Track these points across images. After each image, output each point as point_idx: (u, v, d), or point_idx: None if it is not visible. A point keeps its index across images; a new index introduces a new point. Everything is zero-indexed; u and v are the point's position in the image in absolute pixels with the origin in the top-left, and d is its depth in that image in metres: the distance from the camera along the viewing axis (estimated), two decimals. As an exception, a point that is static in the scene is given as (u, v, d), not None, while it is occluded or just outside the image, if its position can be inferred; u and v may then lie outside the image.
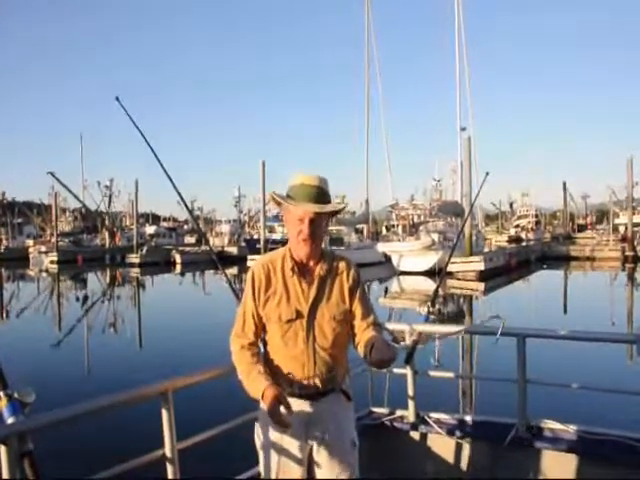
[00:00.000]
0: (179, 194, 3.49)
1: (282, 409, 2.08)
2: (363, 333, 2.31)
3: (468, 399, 7.70)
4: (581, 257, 38.94)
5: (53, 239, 49.41)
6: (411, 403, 3.71)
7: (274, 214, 41.84)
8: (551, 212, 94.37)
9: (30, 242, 57.48)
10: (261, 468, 2.37)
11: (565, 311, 18.18)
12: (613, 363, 8.86)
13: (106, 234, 54.44)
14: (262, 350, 2.37)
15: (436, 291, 4.25)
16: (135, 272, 38.12)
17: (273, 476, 2.29)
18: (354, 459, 2.36)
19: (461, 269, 27.00)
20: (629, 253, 36.02)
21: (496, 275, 28.16)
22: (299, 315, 2.27)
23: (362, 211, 43.47)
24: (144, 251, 44.95)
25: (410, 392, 3.71)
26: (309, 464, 2.31)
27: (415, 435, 3.66)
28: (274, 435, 2.28)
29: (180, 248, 49.14)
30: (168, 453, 2.43)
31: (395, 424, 3.71)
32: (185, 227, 75.45)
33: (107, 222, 56.13)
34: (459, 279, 26.49)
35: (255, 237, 44.27)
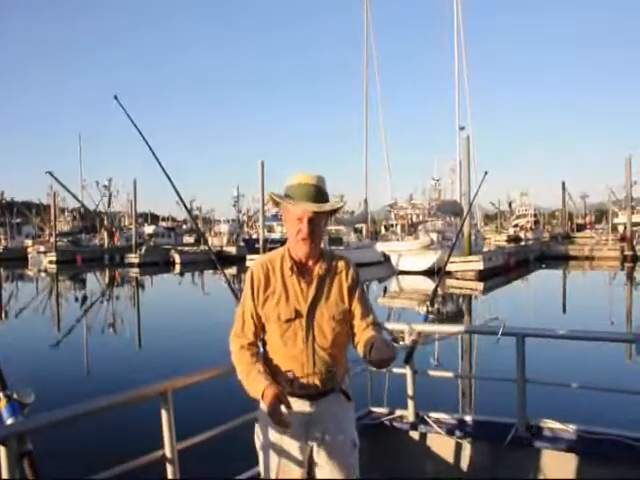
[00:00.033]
0: (178, 194, 3.49)
1: (282, 409, 2.08)
2: (362, 333, 2.30)
3: (467, 399, 7.70)
4: (580, 257, 38.94)
5: (52, 239, 49.38)
6: (410, 403, 3.71)
7: (273, 214, 41.89)
8: (550, 212, 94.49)
9: (29, 242, 57.46)
10: (261, 468, 2.37)
11: (564, 310, 18.19)
12: (612, 362, 8.87)
13: (105, 234, 54.42)
14: (261, 350, 2.37)
15: (435, 291, 4.25)
16: (134, 272, 38.10)
17: (273, 476, 2.29)
18: (354, 459, 2.36)
19: (460, 268, 27.02)
20: (628, 252, 36.03)
21: (495, 275, 28.16)
22: (298, 315, 2.27)
23: (361, 211, 43.46)
24: (143, 251, 44.93)
25: (410, 392, 3.71)
26: (309, 464, 2.31)
27: (415, 435, 3.66)
28: (274, 435, 2.28)
29: (179, 248, 49.14)
30: (168, 453, 2.43)
31: (395, 424, 3.71)
32: (184, 227, 75.46)
33: (106, 222, 56.10)
34: (458, 279, 26.51)
35: (254, 237, 44.28)
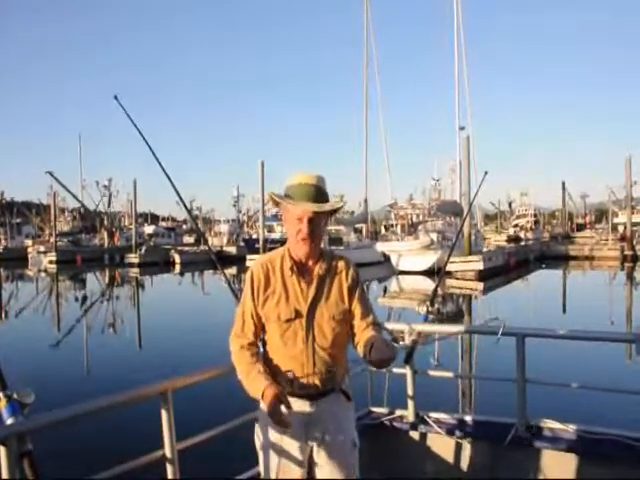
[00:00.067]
0: (178, 194, 3.49)
1: (282, 408, 2.08)
2: (362, 333, 2.30)
3: (467, 399, 7.70)
4: (580, 256, 38.95)
5: (52, 239, 49.38)
6: (410, 403, 3.71)
7: (273, 214, 41.88)
8: (550, 212, 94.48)
9: (29, 242, 57.46)
10: (261, 468, 2.37)
11: (564, 310, 18.19)
12: (612, 362, 8.87)
13: (105, 234, 54.42)
14: (261, 350, 2.37)
15: (435, 291, 4.25)
16: (134, 272, 38.10)
17: (273, 476, 2.29)
18: (355, 459, 2.36)
19: (460, 268, 27.02)
20: (628, 252, 36.03)
21: (495, 275, 28.16)
22: (298, 315, 2.27)
23: (361, 211, 43.46)
24: (143, 251, 44.93)
25: (409, 392, 3.71)
26: (309, 464, 2.31)
27: (415, 435, 3.66)
28: (274, 436, 2.28)
29: (179, 248, 49.17)
30: (168, 453, 2.43)
31: (395, 424, 3.71)
32: (184, 227, 75.50)
33: (106, 222, 56.10)
34: (458, 279, 26.51)
35: (254, 237, 44.28)
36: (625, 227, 40.19)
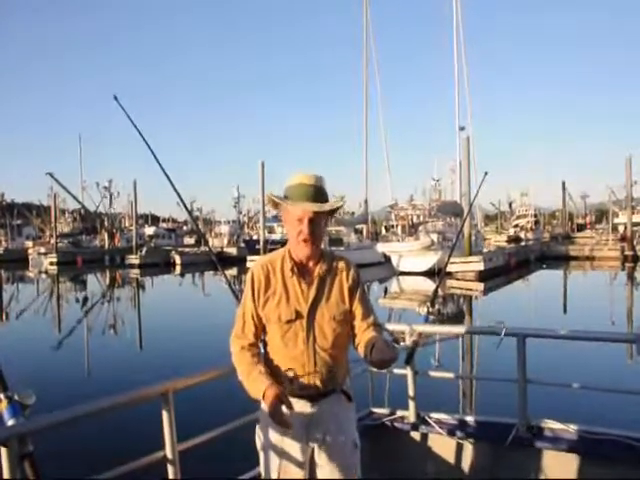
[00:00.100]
0: (178, 194, 3.49)
1: (283, 409, 2.08)
2: (363, 333, 2.30)
3: (468, 399, 7.70)
4: (580, 257, 38.93)
5: (52, 240, 49.35)
6: (411, 403, 3.71)
7: (273, 214, 41.83)
8: (550, 212, 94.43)
9: (29, 243, 57.42)
10: (262, 469, 2.37)
11: (565, 311, 18.18)
12: (613, 363, 8.86)
13: (105, 235, 54.41)
14: (262, 351, 2.37)
15: (436, 291, 4.25)
16: (135, 273, 38.11)
17: (274, 477, 2.29)
18: (356, 460, 2.36)
19: (460, 269, 27.01)
20: (628, 252, 36.01)
21: (495, 275, 28.15)
22: (299, 315, 2.27)
23: (361, 211, 43.48)
24: (143, 252, 44.90)
25: (410, 392, 3.71)
26: (310, 465, 2.31)
27: (416, 435, 3.66)
28: (275, 436, 2.28)
29: (179, 249, 49.15)
30: (169, 454, 2.43)
31: (396, 424, 3.71)
32: (184, 228, 75.47)
33: (106, 223, 56.10)
34: (458, 279, 26.49)
35: (254, 238, 44.28)
36: (625, 227, 40.15)
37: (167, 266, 41.93)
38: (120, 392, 2.36)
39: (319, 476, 2.31)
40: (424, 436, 3.63)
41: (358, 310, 2.35)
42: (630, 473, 2.99)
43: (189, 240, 64.99)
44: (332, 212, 2.37)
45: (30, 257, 49.04)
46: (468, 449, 3.47)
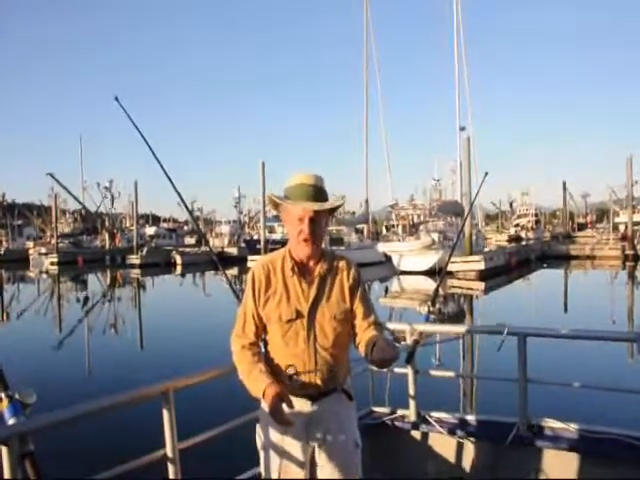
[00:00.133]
0: (179, 194, 3.49)
1: (284, 407, 2.08)
2: (364, 333, 2.30)
3: (469, 398, 7.70)
4: (581, 256, 38.90)
5: (53, 240, 49.37)
6: (412, 402, 3.71)
7: (274, 214, 41.80)
8: (551, 211, 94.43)
9: (30, 244, 57.44)
10: (262, 469, 2.37)
11: (565, 310, 18.17)
12: (614, 362, 8.86)
13: (106, 235, 54.42)
14: (263, 350, 2.37)
15: (436, 291, 4.25)
16: (135, 273, 38.11)
17: (275, 477, 2.29)
18: (357, 460, 2.36)
19: (461, 268, 27.00)
20: (629, 252, 35.96)
21: (496, 274, 28.14)
22: (299, 315, 2.27)
23: (362, 211, 43.47)
24: (144, 252, 44.89)
25: (411, 391, 3.71)
26: (311, 465, 2.31)
27: (416, 434, 3.66)
28: (275, 436, 2.28)
29: (180, 249, 49.14)
30: (169, 453, 2.43)
31: (396, 423, 3.72)
32: (185, 228, 75.48)
33: (107, 223, 56.12)
34: (459, 278, 26.48)
35: (255, 238, 44.29)
36: (626, 226, 40.11)
37: (168, 266, 41.93)
38: (121, 391, 2.36)
39: (320, 476, 2.31)
40: (425, 435, 3.63)
41: (359, 309, 2.35)
42: (631, 472, 2.99)
43: (190, 240, 65.00)
44: (332, 211, 2.37)
45: (31, 257, 49.08)
46: (469, 448, 3.48)
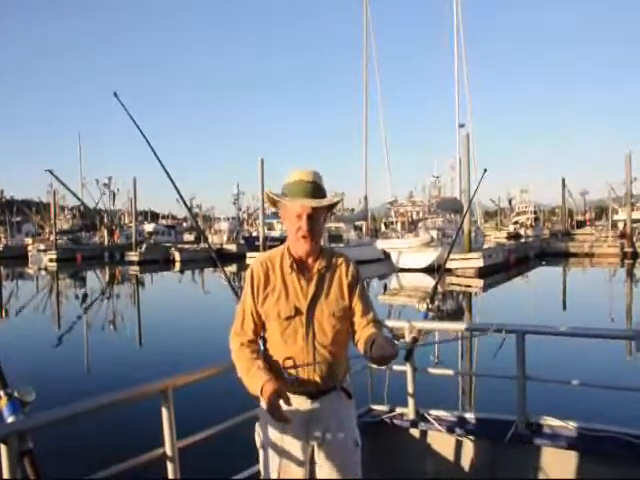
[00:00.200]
0: (178, 191, 3.47)
1: (282, 404, 2.07)
2: (363, 330, 2.30)
3: (468, 396, 7.71)
4: (580, 253, 38.93)
5: (52, 237, 49.41)
6: (411, 400, 3.71)
7: (273, 211, 41.85)
8: (550, 208, 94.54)
9: (29, 240, 57.44)
10: (261, 467, 2.37)
11: (564, 307, 18.18)
12: (612, 359, 8.87)
13: (105, 232, 54.42)
14: (262, 347, 2.37)
15: (435, 288, 4.24)
16: (134, 270, 38.10)
17: (274, 475, 2.28)
18: (357, 458, 2.35)
19: (460, 266, 27.00)
20: (628, 249, 36.01)
21: (495, 272, 28.15)
22: (298, 312, 2.27)
23: (361, 208, 43.43)
24: (143, 249, 44.95)
25: (410, 389, 3.71)
26: (310, 464, 2.31)
27: (415, 432, 3.66)
28: (274, 434, 2.28)
29: (179, 246, 49.18)
30: (168, 451, 2.43)
31: (395, 421, 3.72)
32: (184, 225, 75.58)
33: (106, 220, 56.09)
34: (458, 276, 26.49)
35: (254, 234, 44.32)
36: (625, 224, 40.16)
37: (167, 263, 41.94)
38: (120, 389, 2.36)
39: (319, 475, 2.31)
40: (423, 433, 3.64)
41: (358, 306, 2.35)
42: (629, 471, 2.99)
43: (189, 237, 65.10)
44: (331, 208, 2.37)
45: (30, 254, 49.03)
46: (467, 446, 3.48)
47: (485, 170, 5.01)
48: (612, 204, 59.65)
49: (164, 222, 78.18)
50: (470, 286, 24.42)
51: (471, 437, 3.47)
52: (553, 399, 4.88)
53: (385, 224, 47.77)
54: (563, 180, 69.12)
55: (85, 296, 25.28)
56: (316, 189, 2.27)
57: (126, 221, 62.03)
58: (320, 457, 2.29)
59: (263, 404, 2.17)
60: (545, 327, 3.80)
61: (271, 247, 2.60)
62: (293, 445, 2.26)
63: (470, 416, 3.65)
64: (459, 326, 3.93)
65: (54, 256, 44.94)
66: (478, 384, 7.83)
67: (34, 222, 65.32)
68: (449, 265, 25.77)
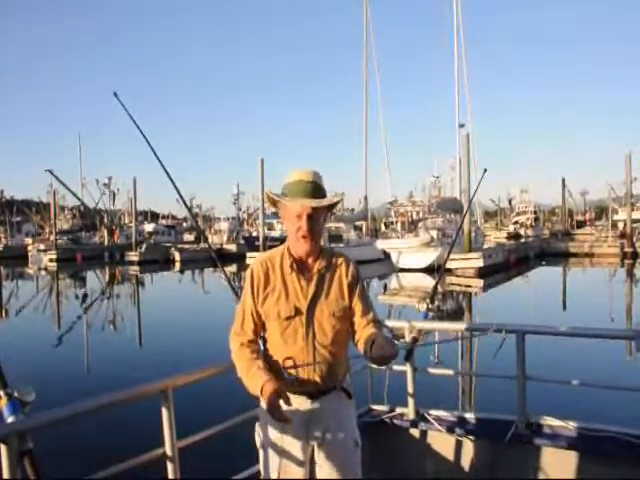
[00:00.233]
0: (177, 191, 3.47)
1: (282, 404, 2.07)
2: (363, 330, 2.30)
3: (468, 396, 7.71)
4: (580, 253, 38.93)
5: (52, 237, 49.41)
6: (411, 400, 3.71)
7: (273, 211, 41.85)
8: (550, 208, 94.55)
9: (29, 240, 57.44)
10: (261, 467, 2.37)
11: (564, 307, 18.18)
12: (612, 359, 8.87)
13: (105, 232, 54.42)
14: (262, 347, 2.37)
15: (435, 288, 4.24)
16: (134, 270, 38.10)
17: (274, 476, 2.28)
18: (357, 459, 2.35)
19: (460, 266, 27.00)
20: (628, 249, 36.01)
21: (495, 272, 28.14)
22: (298, 312, 2.27)
23: (361, 208, 43.43)
24: (143, 249, 44.95)
25: (410, 389, 3.71)
26: (310, 464, 2.31)
27: (415, 432, 3.66)
28: (274, 434, 2.28)
29: (179, 246, 49.20)
30: (168, 451, 2.43)
31: (395, 421, 3.72)
32: (184, 225, 75.61)
33: (106, 220, 56.10)
34: (458, 276, 26.49)
35: (254, 234, 44.32)
36: (625, 224, 40.16)
37: (167, 263, 41.94)
38: (120, 389, 2.36)
39: (319, 475, 2.31)
40: (423, 433, 3.64)
41: (358, 306, 2.35)
42: (629, 471, 2.99)
43: (189, 237, 65.12)
44: (331, 208, 2.37)
45: (30, 254, 49.03)
46: (467, 446, 3.48)
47: (485, 170, 5.02)
48: (612, 204, 59.64)
49: (164, 222, 78.20)
50: (470, 286, 24.42)
51: (471, 437, 3.47)
52: (553, 399, 4.88)
53: (385, 224, 47.77)
54: (563, 180, 69.18)
55: (85, 296, 25.28)
56: (316, 189, 2.27)
57: (126, 221, 62.04)
58: (320, 457, 2.29)
59: (263, 404, 2.17)
60: (545, 327, 3.80)
61: (271, 247, 2.61)
62: (293, 445, 2.26)
63: (470, 416, 3.65)
64: (459, 326, 3.93)
65: (54, 256, 44.94)
66: (478, 384, 7.83)
67: (34, 222, 65.32)
68: (449, 265, 25.77)
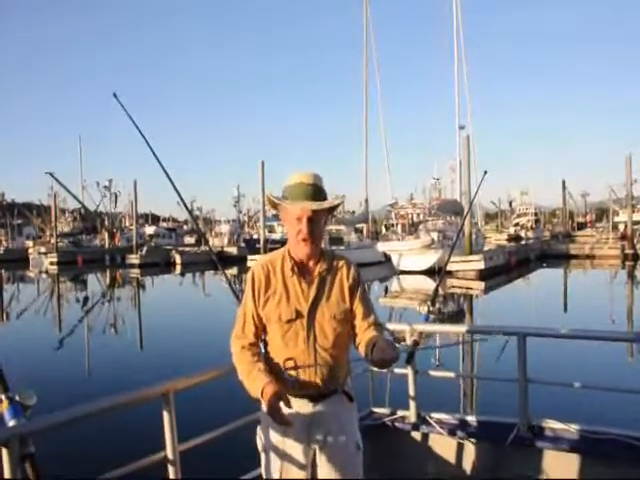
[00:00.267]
0: (178, 193, 3.47)
1: (283, 406, 2.07)
2: (364, 333, 2.30)
3: (469, 399, 7.69)
4: (581, 255, 38.89)
5: (53, 240, 49.36)
6: (412, 403, 3.71)
7: (274, 214, 41.80)
8: (550, 210, 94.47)
9: (30, 243, 57.44)
10: (263, 470, 2.36)
11: (565, 310, 18.16)
12: (614, 361, 8.87)
13: (105, 235, 54.40)
14: (263, 350, 2.36)
15: (436, 290, 4.25)
16: (135, 273, 38.09)
17: (276, 479, 2.28)
18: (359, 462, 2.35)
19: (461, 268, 26.98)
20: (629, 251, 35.94)
21: (496, 274, 28.12)
22: (299, 315, 2.27)
23: (361, 210, 43.45)
24: (144, 252, 44.88)
25: (411, 392, 3.71)
26: (312, 467, 2.30)
27: (416, 435, 3.66)
28: (276, 437, 2.28)
29: (180, 248, 49.14)
30: (170, 455, 2.42)
31: (396, 424, 3.71)
32: (185, 227, 75.53)
33: (106, 222, 56.09)
34: (459, 278, 26.47)
35: (255, 237, 44.26)
36: (626, 226, 40.10)
37: (167, 266, 41.92)
38: (121, 392, 2.36)
39: (320, 477, 2.30)
40: (425, 436, 3.63)
41: (359, 309, 2.35)
42: (631, 473, 2.99)
43: (189, 239, 65.05)
44: (331, 210, 2.37)
45: (30, 257, 49.05)
46: (469, 449, 3.47)
47: (485, 172, 5.02)
48: (613, 206, 59.62)
49: (165, 225, 78.22)
50: (471, 288, 24.40)
51: (473, 440, 3.47)
52: (555, 402, 4.86)
53: (386, 226, 47.77)
54: (563, 182, 69.11)
55: (86, 299, 25.28)
56: (317, 192, 2.27)
57: (127, 224, 62.02)
58: (321, 460, 2.29)
59: (264, 407, 2.17)
60: (546, 329, 3.80)
61: (272, 250, 2.60)
62: (295, 448, 2.26)
63: (472, 419, 3.65)
64: (460, 329, 3.93)
65: (55, 259, 44.90)
66: (479, 387, 7.81)
67: (35, 225, 65.29)
68: (450, 267, 25.73)
